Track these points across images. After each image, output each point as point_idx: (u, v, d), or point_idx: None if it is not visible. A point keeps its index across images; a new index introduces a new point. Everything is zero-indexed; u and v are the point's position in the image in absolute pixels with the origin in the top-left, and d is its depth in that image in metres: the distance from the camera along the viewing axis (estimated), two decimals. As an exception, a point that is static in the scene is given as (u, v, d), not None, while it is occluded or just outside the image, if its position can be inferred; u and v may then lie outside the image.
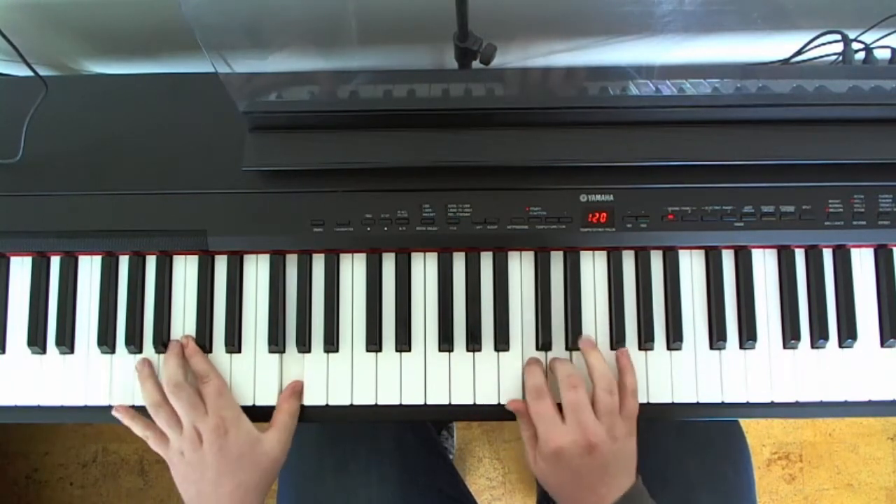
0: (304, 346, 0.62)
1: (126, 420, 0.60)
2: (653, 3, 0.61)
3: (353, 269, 0.63)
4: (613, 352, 0.62)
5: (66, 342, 0.62)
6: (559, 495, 0.58)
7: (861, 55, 0.69)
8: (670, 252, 0.63)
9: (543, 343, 0.62)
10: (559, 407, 0.57)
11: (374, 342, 0.62)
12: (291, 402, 0.61)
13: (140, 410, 0.61)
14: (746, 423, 0.76)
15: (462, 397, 0.62)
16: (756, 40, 0.76)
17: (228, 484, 0.57)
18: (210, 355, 0.63)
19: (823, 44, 0.68)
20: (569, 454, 0.55)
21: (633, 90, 0.61)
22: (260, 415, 0.61)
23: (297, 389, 0.61)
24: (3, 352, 0.63)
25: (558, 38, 0.77)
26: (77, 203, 0.62)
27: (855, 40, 0.68)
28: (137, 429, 0.60)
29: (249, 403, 0.62)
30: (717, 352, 0.62)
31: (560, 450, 0.55)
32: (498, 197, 0.61)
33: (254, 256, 0.64)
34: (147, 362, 0.62)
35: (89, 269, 0.64)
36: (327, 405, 0.62)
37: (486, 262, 0.63)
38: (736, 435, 0.73)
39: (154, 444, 0.59)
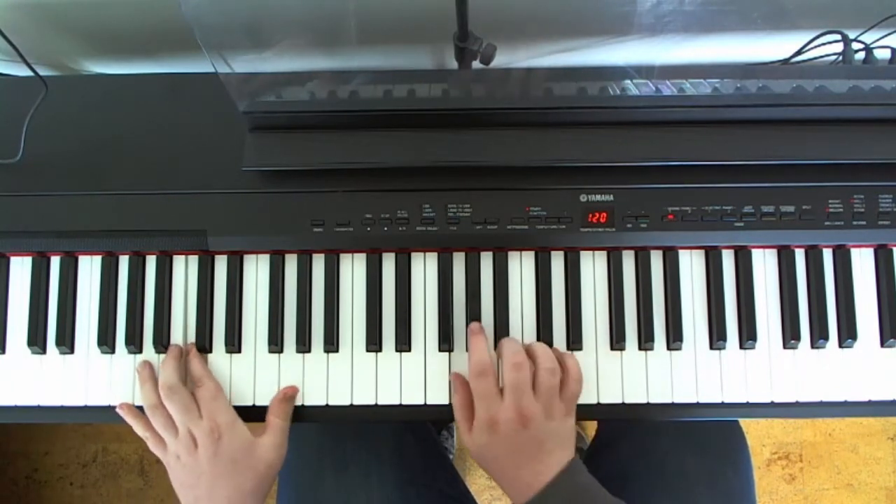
0: (303, 346, 0.62)
1: (128, 419, 0.60)
2: (653, 3, 0.61)
3: (353, 269, 0.63)
4: (613, 352, 0.62)
5: (66, 342, 0.62)
6: (494, 471, 0.57)
7: (861, 55, 0.69)
8: (670, 252, 0.63)
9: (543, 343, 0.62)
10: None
11: (374, 342, 0.62)
12: (283, 407, 0.61)
13: (141, 411, 0.61)
14: (746, 423, 0.76)
15: (462, 397, 0.62)
16: (756, 40, 0.76)
17: (225, 489, 0.57)
18: (210, 355, 0.63)
19: (823, 44, 0.68)
20: (503, 428, 0.55)
21: (633, 90, 0.61)
22: (259, 415, 0.61)
23: (290, 394, 0.61)
24: (3, 352, 0.63)
25: (558, 38, 0.77)
26: (77, 203, 0.62)
27: (855, 40, 0.68)
28: (138, 429, 0.60)
29: (249, 403, 0.62)
30: (717, 352, 0.62)
31: (496, 422, 0.55)
32: (498, 197, 0.61)
33: (254, 256, 0.64)
34: (147, 364, 0.62)
35: (89, 269, 0.64)
36: (327, 405, 0.62)
37: (486, 262, 0.63)
38: (736, 435, 0.73)
39: (152, 446, 0.60)
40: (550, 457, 0.55)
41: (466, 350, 0.62)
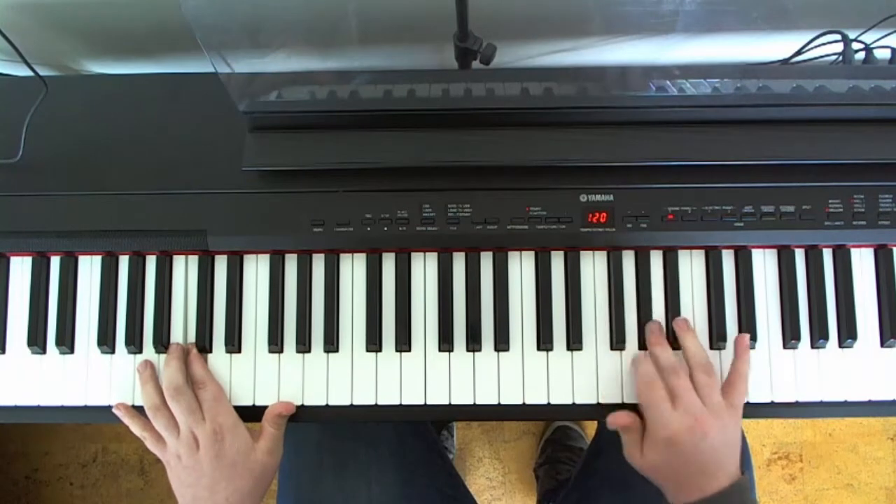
0: (303, 346, 0.62)
1: (125, 418, 0.60)
2: (653, 3, 0.61)
3: (353, 269, 0.63)
4: (614, 352, 0.62)
5: (66, 342, 0.62)
6: (665, 482, 0.57)
7: (861, 55, 0.69)
8: (670, 252, 0.63)
9: (543, 343, 0.62)
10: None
11: (374, 342, 0.62)
12: (279, 420, 0.61)
13: (140, 410, 0.61)
14: (746, 423, 0.76)
15: (462, 397, 0.62)
16: (756, 40, 0.76)
17: (224, 490, 0.57)
18: (210, 355, 0.63)
19: (823, 44, 0.68)
20: (682, 440, 0.54)
21: (634, 90, 0.61)
22: (260, 415, 0.61)
23: (285, 413, 0.61)
24: (3, 352, 0.63)
25: (558, 38, 0.77)
26: (77, 203, 0.62)
27: (855, 40, 0.68)
28: (136, 428, 0.60)
29: (249, 403, 0.62)
30: (717, 352, 0.62)
31: (673, 436, 0.55)
32: (498, 197, 0.61)
33: (254, 256, 0.64)
34: (149, 364, 0.62)
35: (89, 269, 0.64)
36: (327, 405, 0.62)
37: (486, 262, 0.63)
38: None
39: (151, 445, 0.60)
40: (721, 467, 0.55)
41: (467, 349, 0.62)
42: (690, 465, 0.55)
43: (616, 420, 0.59)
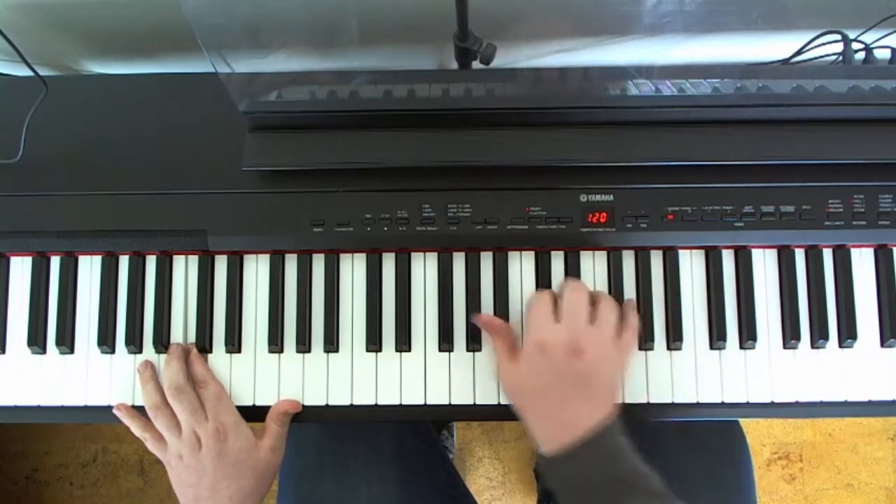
0: (303, 346, 0.62)
1: (126, 419, 0.60)
2: (653, 3, 0.61)
3: (353, 269, 0.63)
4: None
5: (66, 342, 0.62)
6: (531, 407, 0.55)
7: (861, 55, 0.69)
8: (670, 252, 0.63)
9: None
10: None
11: (374, 342, 0.62)
12: (283, 417, 0.61)
13: (140, 411, 0.61)
14: (746, 423, 0.76)
15: (462, 397, 0.62)
16: (756, 40, 0.76)
17: (226, 489, 0.57)
18: (210, 355, 0.63)
19: (823, 44, 0.68)
20: (554, 349, 0.53)
21: (633, 90, 0.61)
22: (260, 415, 0.61)
23: (290, 410, 0.61)
24: (3, 352, 0.63)
25: (558, 38, 0.77)
26: (77, 203, 0.62)
27: (855, 40, 0.68)
28: (136, 429, 0.60)
29: (249, 403, 0.62)
30: (717, 352, 0.62)
31: (545, 342, 0.53)
32: (498, 197, 0.61)
33: (254, 256, 0.64)
34: (149, 364, 0.62)
35: (89, 269, 0.64)
36: (327, 405, 0.62)
37: (486, 262, 0.63)
38: (736, 435, 0.73)
39: (151, 446, 0.60)
40: (595, 397, 0.52)
41: (467, 349, 0.62)
42: (559, 385, 0.53)
43: (481, 318, 0.59)
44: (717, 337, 0.62)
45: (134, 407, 0.61)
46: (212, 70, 0.55)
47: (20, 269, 0.64)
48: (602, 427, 0.51)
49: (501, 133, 0.61)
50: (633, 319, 0.59)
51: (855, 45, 0.68)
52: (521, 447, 1.32)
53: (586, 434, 0.51)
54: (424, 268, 0.63)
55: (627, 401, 0.61)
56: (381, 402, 0.62)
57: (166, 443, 0.59)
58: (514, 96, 0.63)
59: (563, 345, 0.53)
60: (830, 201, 0.61)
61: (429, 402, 0.62)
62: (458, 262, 0.63)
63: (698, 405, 0.62)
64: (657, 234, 0.61)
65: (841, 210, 0.61)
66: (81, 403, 0.63)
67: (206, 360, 0.62)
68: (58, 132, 0.65)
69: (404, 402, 0.62)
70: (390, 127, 0.61)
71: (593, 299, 0.57)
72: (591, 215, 0.61)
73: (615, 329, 0.56)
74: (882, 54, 0.70)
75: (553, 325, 0.54)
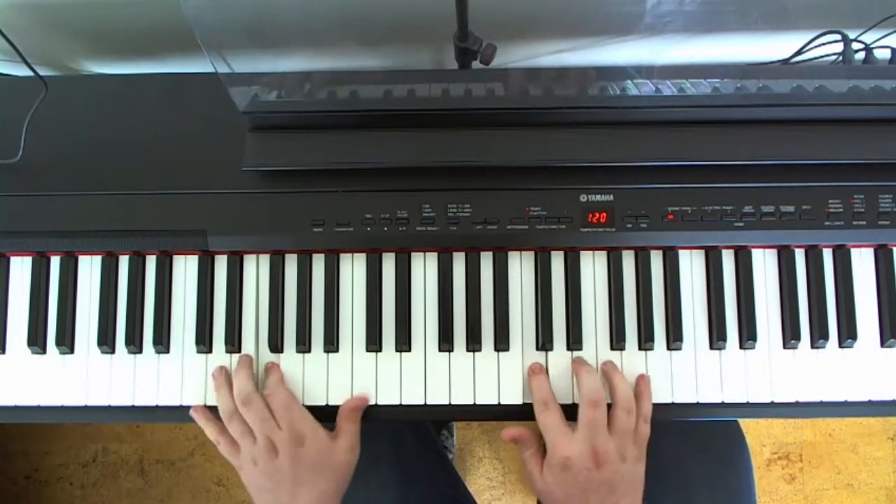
0: (304, 346, 0.62)
1: (201, 422, 0.60)
2: (653, 3, 0.61)
3: (353, 269, 0.63)
4: (613, 352, 0.62)
5: (66, 342, 0.62)
6: None
7: (861, 55, 0.69)
8: (670, 252, 0.63)
9: (543, 343, 0.62)
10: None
11: (374, 342, 0.62)
12: (355, 414, 0.60)
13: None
14: (746, 423, 0.76)
15: (462, 397, 0.62)
16: (756, 40, 0.76)
17: (307, 493, 0.57)
18: (210, 355, 0.63)
19: (823, 44, 0.68)
20: (577, 465, 0.54)
21: (633, 90, 0.61)
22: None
23: (362, 405, 0.61)
24: (3, 352, 0.63)
25: (558, 38, 0.77)
26: (77, 203, 0.62)
27: (855, 40, 0.68)
28: (210, 432, 0.60)
29: (249, 403, 0.62)
30: (717, 352, 0.62)
31: (568, 460, 0.54)
32: (498, 197, 0.61)
33: (254, 256, 0.64)
34: (223, 370, 0.61)
35: (89, 269, 0.64)
36: (327, 405, 0.62)
37: (486, 262, 0.63)
38: (736, 435, 0.73)
39: (225, 451, 0.59)
40: (622, 501, 0.54)
41: (467, 349, 0.62)
42: (586, 496, 0.54)
43: (509, 433, 0.59)
44: (717, 337, 0.62)
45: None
46: (212, 70, 0.55)
47: (20, 269, 0.64)
48: None
49: (501, 133, 0.61)
50: (646, 405, 0.59)
51: (855, 45, 0.68)
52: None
53: None
54: (424, 268, 0.63)
55: (627, 401, 0.61)
56: (381, 402, 0.62)
57: (239, 448, 0.58)
58: (514, 96, 0.63)
59: (586, 459, 0.54)
60: (830, 201, 0.61)
61: (429, 402, 0.62)
62: (458, 262, 0.63)
63: (698, 405, 0.62)
64: (657, 234, 0.61)
65: (841, 210, 0.61)
66: (81, 403, 0.63)
67: (280, 370, 0.62)
68: (58, 132, 0.65)
69: (404, 402, 0.62)
70: (390, 127, 0.61)
71: (607, 380, 0.59)
72: (591, 215, 0.61)
73: (633, 429, 0.57)
74: (882, 54, 0.70)
75: (571, 440, 0.55)
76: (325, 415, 0.62)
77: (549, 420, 0.57)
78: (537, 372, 0.60)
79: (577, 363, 0.61)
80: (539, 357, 0.62)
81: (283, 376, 0.62)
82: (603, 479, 0.54)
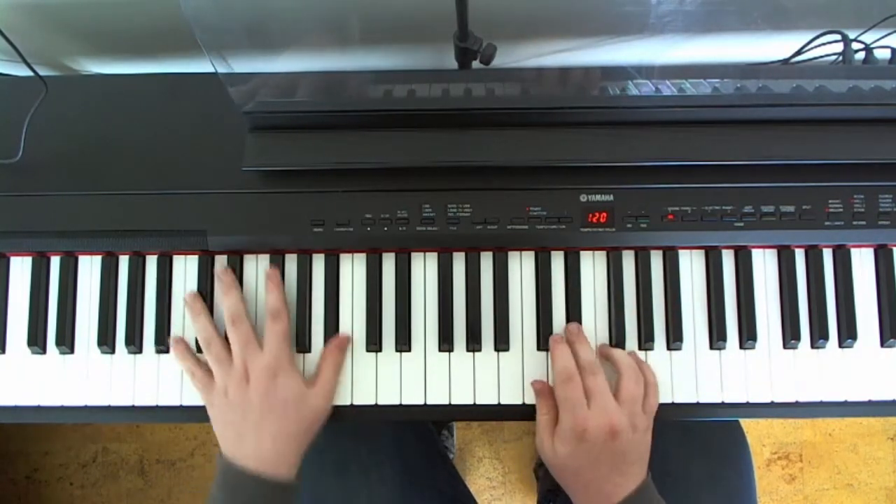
0: (303, 346, 0.62)
1: (180, 353, 0.60)
2: (653, 3, 0.61)
3: (353, 269, 0.63)
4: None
5: (66, 342, 0.62)
6: (573, 482, 0.57)
7: (861, 55, 0.69)
8: (670, 252, 0.63)
9: (543, 343, 0.62)
10: None
11: (374, 342, 0.62)
12: (334, 357, 0.60)
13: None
14: (746, 423, 0.76)
15: (462, 397, 0.62)
16: (756, 40, 0.76)
17: (270, 427, 0.56)
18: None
19: (823, 44, 0.68)
20: (592, 437, 0.55)
21: (633, 90, 0.61)
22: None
23: (343, 345, 0.61)
24: (3, 352, 0.63)
25: (558, 38, 0.77)
26: (77, 203, 0.62)
27: (855, 40, 0.68)
28: (187, 363, 0.60)
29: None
30: (717, 352, 0.62)
31: (584, 432, 0.55)
32: (498, 197, 0.61)
33: (254, 256, 0.64)
34: (198, 297, 0.61)
35: (89, 269, 0.64)
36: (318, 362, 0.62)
37: (486, 262, 0.63)
38: (737, 436, 0.73)
39: (199, 383, 0.59)
40: (631, 469, 0.56)
41: (467, 349, 0.62)
42: (598, 466, 0.55)
43: (538, 383, 0.60)
44: (717, 337, 0.62)
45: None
46: (212, 70, 0.55)
47: (20, 269, 0.64)
48: (639, 491, 0.55)
49: (501, 133, 0.61)
50: (652, 375, 0.60)
51: (855, 45, 0.68)
52: (521, 447, 1.32)
53: (625, 500, 0.55)
54: (424, 268, 0.63)
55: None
56: (381, 402, 0.62)
57: (213, 380, 0.58)
58: (514, 96, 0.63)
59: (600, 431, 0.55)
60: (830, 201, 0.61)
61: (429, 402, 0.62)
62: (458, 262, 0.63)
63: (698, 405, 0.62)
64: (657, 234, 0.61)
65: (841, 210, 0.61)
66: (81, 403, 0.63)
67: (283, 290, 0.61)
68: (58, 132, 0.65)
69: (404, 402, 0.62)
70: (390, 127, 0.61)
71: (609, 359, 0.59)
72: (591, 215, 0.61)
73: (641, 398, 0.57)
74: (882, 54, 0.70)
75: (586, 412, 0.55)
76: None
77: (573, 394, 0.56)
78: (559, 342, 0.60)
79: (571, 336, 0.60)
80: (539, 357, 0.62)
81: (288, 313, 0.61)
82: (616, 449, 0.55)
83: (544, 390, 0.60)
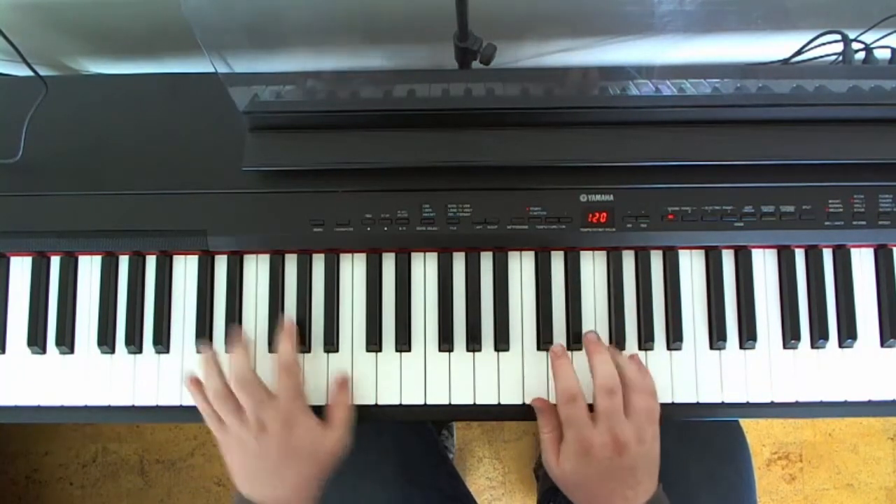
0: (303, 346, 0.62)
1: (196, 397, 0.59)
2: (653, 3, 0.61)
3: (353, 269, 0.63)
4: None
5: (66, 342, 0.62)
6: (582, 497, 0.57)
7: (861, 55, 0.69)
8: (670, 252, 0.63)
9: (543, 343, 0.62)
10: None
11: (374, 342, 0.62)
12: (343, 398, 0.60)
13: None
14: (746, 423, 0.76)
15: (462, 397, 0.62)
16: (756, 40, 0.76)
17: (291, 476, 0.56)
18: (210, 355, 0.63)
19: (823, 44, 0.68)
20: (598, 454, 0.54)
21: (633, 90, 0.61)
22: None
23: (344, 384, 0.61)
24: (3, 352, 0.63)
25: (558, 38, 0.77)
26: (77, 203, 0.62)
27: (855, 40, 0.68)
28: (201, 404, 0.59)
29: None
30: (717, 352, 0.62)
31: (590, 449, 0.54)
32: (498, 197, 0.61)
33: (254, 256, 0.64)
34: (212, 350, 0.60)
35: (89, 269, 0.64)
36: (327, 405, 0.62)
37: (486, 262, 0.63)
38: (737, 435, 0.73)
39: (212, 424, 0.58)
40: (640, 484, 0.55)
41: (467, 349, 0.62)
42: (607, 482, 0.55)
43: (538, 400, 0.60)
44: (717, 337, 0.62)
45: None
46: (212, 70, 0.55)
47: (20, 269, 0.64)
48: (650, 502, 0.55)
49: (501, 133, 0.61)
50: (650, 381, 0.59)
51: (855, 45, 0.68)
52: (521, 447, 1.32)
53: None
54: (424, 268, 0.63)
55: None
56: (381, 402, 0.62)
57: (226, 424, 0.58)
58: (514, 96, 0.63)
59: (607, 449, 0.54)
60: (830, 201, 0.61)
61: (429, 402, 0.62)
62: (458, 262, 0.63)
63: (698, 405, 0.62)
64: (657, 234, 0.61)
65: (841, 210, 0.61)
66: (81, 403, 0.63)
67: (296, 343, 0.61)
68: (58, 132, 0.65)
69: (404, 402, 0.62)
70: (390, 127, 0.61)
71: (617, 368, 0.58)
72: (591, 215, 0.61)
73: (647, 407, 0.56)
74: (882, 54, 0.70)
75: (592, 431, 0.55)
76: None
77: (577, 413, 0.55)
78: (560, 356, 0.59)
79: (592, 346, 0.59)
80: (539, 357, 0.62)
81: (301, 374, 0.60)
82: (624, 465, 0.54)
83: (544, 407, 0.59)
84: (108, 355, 0.63)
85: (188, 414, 0.62)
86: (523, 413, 0.61)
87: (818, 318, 0.62)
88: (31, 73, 0.62)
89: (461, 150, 0.61)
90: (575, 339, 0.62)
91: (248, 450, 0.57)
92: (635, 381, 0.57)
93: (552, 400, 0.61)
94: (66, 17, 0.73)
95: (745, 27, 0.72)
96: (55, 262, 0.64)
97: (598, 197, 0.61)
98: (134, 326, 0.63)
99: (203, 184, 0.62)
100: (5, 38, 0.60)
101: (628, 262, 0.63)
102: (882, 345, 0.62)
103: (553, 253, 0.63)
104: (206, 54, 0.53)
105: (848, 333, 0.62)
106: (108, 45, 0.81)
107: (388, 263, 0.63)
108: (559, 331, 0.62)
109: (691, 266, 0.63)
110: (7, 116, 0.64)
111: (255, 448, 0.56)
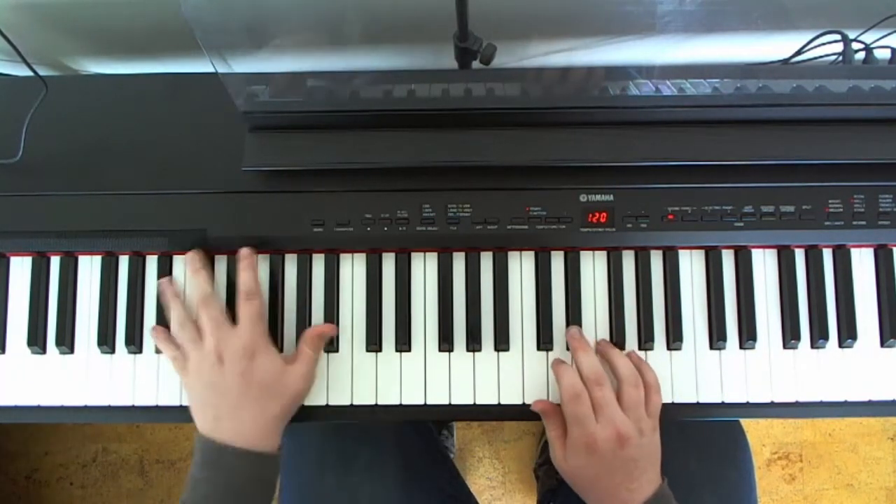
0: (304, 346, 0.62)
1: (160, 341, 0.60)
2: (653, 3, 0.61)
3: (353, 269, 0.63)
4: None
5: (66, 342, 0.62)
6: (589, 491, 0.58)
7: (861, 55, 0.69)
8: (670, 252, 0.63)
9: (543, 343, 0.62)
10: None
11: (374, 342, 0.62)
12: (317, 341, 0.60)
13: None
14: (746, 423, 0.76)
15: (462, 397, 0.62)
16: (756, 40, 0.76)
17: (251, 410, 0.55)
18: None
19: (823, 44, 0.68)
20: (602, 448, 0.55)
21: (633, 90, 0.61)
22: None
23: (327, 333, 0.61)
24: (3, 352, 0.63)
25: (558, 38, 0.77)
26: (77, 203, 0.62)
27: (855, 40, 0.68)
28: (168, 349, 0.59)
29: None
30: (717, 352, 0.62)
31: (594, 443, 0.55)
32: (498, 197, 0.61)
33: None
34: (171, 283, 0.61)
35: (89, 269, 0.64)
36: (327, 405, 0.62)
37: (486, 262, 0.63)
38: (737, 436, 0.73)
39: (178, 365, 0.58)
40: (644, 474, 0.56)
41: (467, 349, 0.62)
42: (612, 475, 0.56)
43: (539, 405, 0.60)
44: (717, 337, 0.62)
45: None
46: (212, 70, 0.55)
47: (20, 269, 0.64)
48: (655, 496, 0.56)
49: (501, 133, 0.61)
50: (651, 376, 0.59)
51: (855, 45, 0.68)
52: (521, 447, 1.32)
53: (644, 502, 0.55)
54: (424, 268, 0.63)
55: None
56: (381, 402, 0.62)
57: (187, 354, 0.57)
58: (514, 96, 0.63)
59: (609, 441, 0.55)
60: (830, 201, 0.61)
61: (429, 402, 0.62)
62: (458, 262, 0.63)
63: (698, 405, 0.62)
64: (657, 234, 0.61)
65: (841, 210, 0.61)
66: (81, 403, 0.63)
67: (257, 271, 0.60)
68: (58, 132, 0.65)
69: (404, 402, 0.62)
70: (390, 127, 0.61)
71: (605, 359, 0.59)
72: (591, 215, 0.61)
73: (643, 401, 0.57)
74: (882, 54, 0.70)
75: (594, 425, 0.56)
76: (326, 415, 0.62)
77: (581, 410, 0.56)
78: (562, 363, 0.60)
79: (574, 341, 0.60)
80: (539, 357, 0.62)
81: (262, 296, 0.60)
82: (627, 456, 0.55)
83: (548, 409, 0.59)
84: (108, 355, 0.63)
85: (188, 414, 0.62)
86: (523, 413, 0.62)
87: (818, 318, 0.62)
88: (31, 73, 0.62)
89: (461, 150, 0.61)
90: (575, 339, 0.62)
91: (207, 381, 0.56)
92: (626, 374, 0.58)
93: (552, 399, 0.61)
94: (66, 17, 0.73)
95: (745, 27, 0.72)
96: (55, 262, 0.64)
97: (598, 197, 0.61)
98: (134, 326, 0.62)
99: (203, 184, 0.62)
100: (5, 38, 0.60)
101: (628, 262, 0.63)
102: (882, 345, 0.62)
103: (553, 253, 0.63)
104: (206, 54, 0.53)
105: (848, 333, 0.62)
106: (108, 45, 0.81)
107: (388, 263, 0.63)
108: (559, 331, 0.62)
109: (691, 266, 0.63)
110: (7, 116, 0.64)
111: (214, 379, 0.56)
